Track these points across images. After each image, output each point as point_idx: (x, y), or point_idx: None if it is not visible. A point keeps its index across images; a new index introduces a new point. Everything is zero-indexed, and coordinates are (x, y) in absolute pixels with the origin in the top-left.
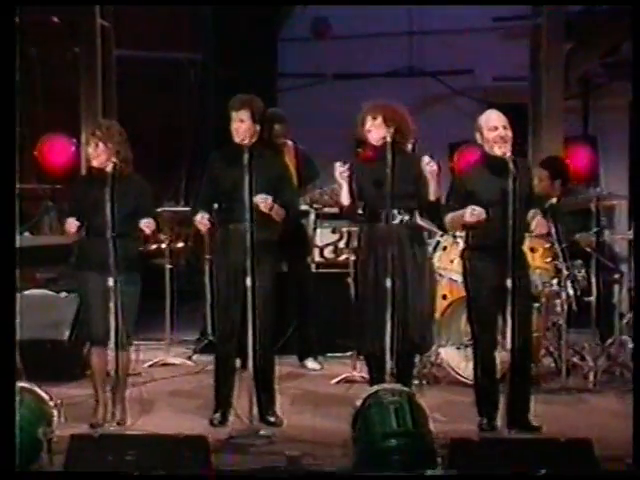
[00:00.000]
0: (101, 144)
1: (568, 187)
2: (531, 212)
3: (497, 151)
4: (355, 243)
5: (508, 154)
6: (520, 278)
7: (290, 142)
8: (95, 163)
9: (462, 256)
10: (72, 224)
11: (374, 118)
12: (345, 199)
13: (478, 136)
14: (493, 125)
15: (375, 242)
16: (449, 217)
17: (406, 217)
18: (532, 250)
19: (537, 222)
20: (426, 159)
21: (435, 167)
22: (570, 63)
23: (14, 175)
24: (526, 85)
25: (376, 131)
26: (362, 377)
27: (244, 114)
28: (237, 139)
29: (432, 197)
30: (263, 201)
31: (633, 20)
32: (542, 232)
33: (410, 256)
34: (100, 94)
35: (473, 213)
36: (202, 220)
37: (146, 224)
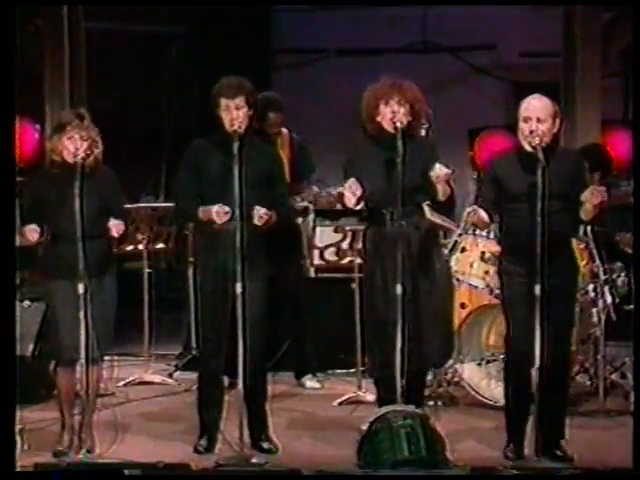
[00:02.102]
0: (85, 137)
1: (608, 179)
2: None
3: (526, 145)
4: (360, 244)
5: (537, 146)
6: (561, 283)
7: (285, 131)
8: (70, 158)
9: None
10: (33, 232)
11: (400, 103)
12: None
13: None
14: (527, 116)
15: (382, 244)
16: (469, 209)
17: (416, 216)
18: None
19: (589, 192)
20: (434, 172)
21: (446, 175)
22: (609, 36)
23: (14, 177)
24: (558, 61)
25: (397, 118)
26: (369, 397)
27: (240, 101)
28: (233, 127)
29: (442, 198)
30: (259, 215)
31: (634, 20)
32: (596, 202)
33: (422, 259)
34: (67, 73)
35: (471, 213)
36: (222, 209)
37: (115, 226)
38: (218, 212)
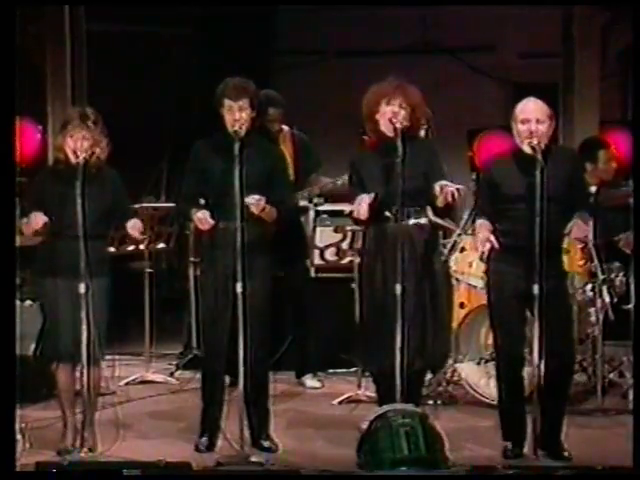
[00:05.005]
0: (87, 137)
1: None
2: (577, 214)
3: (525, 147)
4: (360, 244)
5: (537, 146)
6: (558, 283)
7: (286, 128)
8: (72, 156)
9: (489, 256)
10: (39, 219)
11: (402, 106)
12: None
13: (512, 125)
14: (526, 117)
15: (383, 244)
16: (478, 224)
17: (418, 216)
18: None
19: (574, 224)
20: (438, 188)
21: (449, 194)
22: (608, 36)
23: (14, 177)
24: (557, 62)
25: (397, 119)
26: (368, 397)
27: (244, 102)
28: (234, 127)
29: (440, 205)
30: (255, 203)
31: (633, 20)
32: (578, 237)
33: (423, 260)
34: (69, 74)
35: (483, 242)
36: (204, 217)
37: (133, 227)
38: (200, 219)
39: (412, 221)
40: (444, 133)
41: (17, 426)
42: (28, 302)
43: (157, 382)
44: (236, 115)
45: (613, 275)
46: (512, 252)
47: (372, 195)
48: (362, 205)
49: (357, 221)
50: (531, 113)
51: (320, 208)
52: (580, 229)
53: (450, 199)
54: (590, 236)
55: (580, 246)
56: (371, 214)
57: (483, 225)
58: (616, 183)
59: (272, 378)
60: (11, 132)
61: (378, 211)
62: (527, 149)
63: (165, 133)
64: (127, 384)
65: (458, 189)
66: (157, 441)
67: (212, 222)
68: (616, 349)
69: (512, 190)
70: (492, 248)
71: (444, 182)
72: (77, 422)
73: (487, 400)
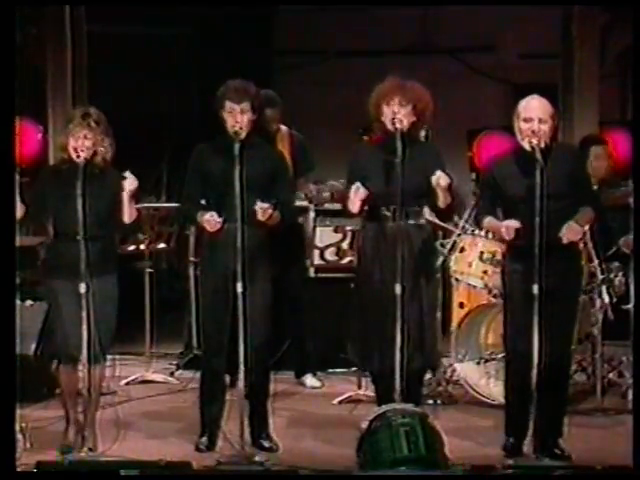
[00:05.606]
0: (89, 136)
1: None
2: (581, 210)
3: (526, 145)
4: (360, 243)
5: (537, 146)
6: (562, 282)
7: (284, 128)
8: (81, 156)
9: (503, 256)
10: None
11: (402, 104)
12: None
13: (514, 122)
14: (528, 116)
15: (382, 243)
16: (487, 222)
17: (416, 217)
18: None
19: (567, 227)
20: (436, 177)
21: (446, 184)
22: (607, 37)
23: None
24: (557, 63)
25: (397, 118)
26: (368, 396)
27: (246, 105)
28: (234, 129)
29: (442, 205)
30: (262, 210)
31: (633, 20)
32: (571, 239)
33: (421, 259)
34: (69, 74)
35: (508, 231)
36: (212, 219)
37: (130, 181)
38: (209, 220)
39: (411, 221)
40: (444, 133)
41: (17, 426)
42: (28, 302)
43: (157, 382)
44: (237, 117)
45: (612, 275)
46: (520, 252)
47: (364, 191)
48: (355, 201)
49: (350, 213)
50: (534, 112)
51: (320, 208)
52: (573, 232)
53: (447, 196)
54: (588, 236)
55: (580, 246)
56: (362, 208)
57: (492, 221)
58: (616, 183)
59: (272, 378)
60: (11, 132)
61: (376, 209)
62: (528, 146)
63: (165, 133)
64: (127, 384)
65: (447, 183)
66: (157, 441)
67: (220, 222)
68: (615, 349)
69: (514, 190)
70: (506, 250)
71: (439, 173)
72: (79, 421)
73: (487, 400)
